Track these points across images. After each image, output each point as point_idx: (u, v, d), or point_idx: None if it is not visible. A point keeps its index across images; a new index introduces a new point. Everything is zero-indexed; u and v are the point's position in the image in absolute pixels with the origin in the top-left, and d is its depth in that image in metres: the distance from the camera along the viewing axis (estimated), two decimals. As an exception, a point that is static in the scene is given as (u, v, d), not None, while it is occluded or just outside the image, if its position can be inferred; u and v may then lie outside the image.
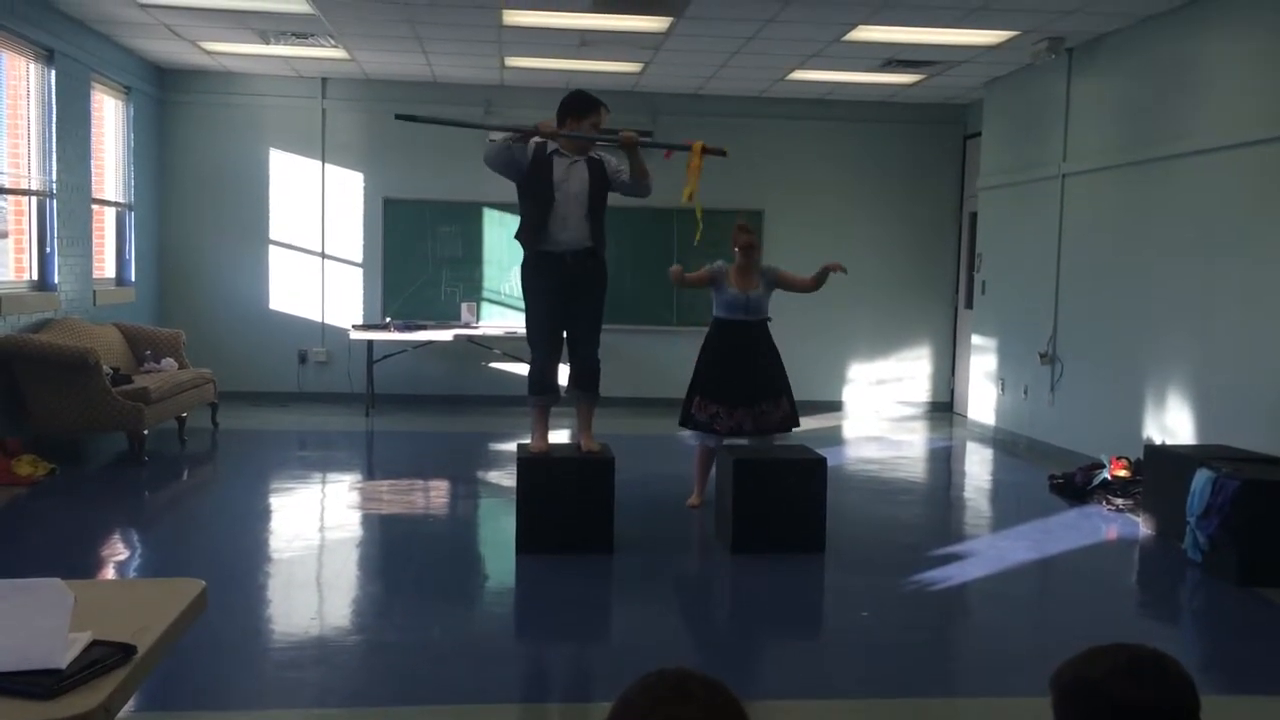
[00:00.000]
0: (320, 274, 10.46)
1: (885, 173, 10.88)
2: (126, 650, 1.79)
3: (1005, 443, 9.10)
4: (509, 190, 5.61)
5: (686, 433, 6.40)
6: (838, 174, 10.85)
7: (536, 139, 5.32)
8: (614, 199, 5.57)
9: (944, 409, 11.03)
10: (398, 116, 5.59)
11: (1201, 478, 5.30)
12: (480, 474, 7.70)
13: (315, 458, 8.27)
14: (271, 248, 10.40)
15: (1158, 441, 6.86)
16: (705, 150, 5.37)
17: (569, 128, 5.30)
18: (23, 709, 1.60)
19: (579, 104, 5.34)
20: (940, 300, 11.05)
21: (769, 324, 6.28)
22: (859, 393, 11.07)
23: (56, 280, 7.85)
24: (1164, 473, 5.96)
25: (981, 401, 9.75)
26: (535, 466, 5.38)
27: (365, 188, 10.43)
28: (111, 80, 8.98)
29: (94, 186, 8.61)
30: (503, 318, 10.32)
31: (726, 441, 6.11)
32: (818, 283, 6.29)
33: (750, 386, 6.12)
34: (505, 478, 6.98)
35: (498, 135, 5.50)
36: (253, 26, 8.17)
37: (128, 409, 7.16)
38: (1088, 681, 1.45)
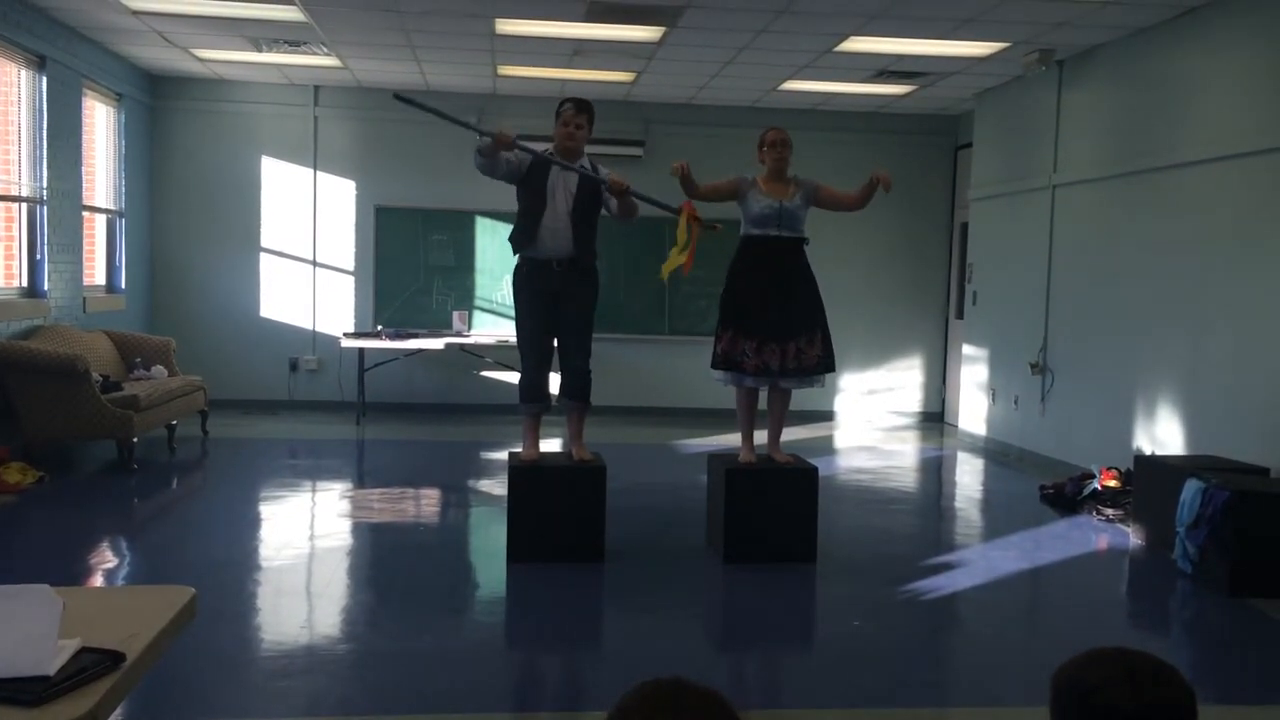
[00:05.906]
0: (311, 282, 10.45)
1: (877, 183, 10.89)
2: (115, 658, 1.78)
3: (996, 453, 9.12)
4: (501, 198, 5.63)
5: (718, 374, 5.55)
6: (829, 184, 10.83)
7: (543, 149, 5.40)
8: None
9: (935, 419, 11.06)
10: (395, 96, 5.67)
11: (1191, 488, 5.32)
12: (471, 482, 7.68)
13: (305, 466, 8.24)
14: (263, 255, 10.39)
15: (1148, 452, 6.87)
16: (694, 219, 5.07)
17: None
18: (10, 716, 1.59)
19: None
20: (931, 310, 11.08)
21: (806, 246, 5.48)
22: (850, 402, 11.09)
23: (46, 287, 7.83)
24: (1154, 483, 5.97)
25: (972, 411, 9.77)
26: (526, 475, 5.37)
27: (357, 195, 10.42)
28: (103, 87, 8.96)
29: (85, 193, 8.59)
30: (494, 326, 10.31)
31: (749, 382, 5.45)
32: (865, 198, 5.46)
33: (783, 318, 5.34)
34: (496, 486, 6.97)
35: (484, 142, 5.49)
36: (245, 34, 8.16)
37: (117, 416, 7.13)
38: (1083, 687, 1.44)
